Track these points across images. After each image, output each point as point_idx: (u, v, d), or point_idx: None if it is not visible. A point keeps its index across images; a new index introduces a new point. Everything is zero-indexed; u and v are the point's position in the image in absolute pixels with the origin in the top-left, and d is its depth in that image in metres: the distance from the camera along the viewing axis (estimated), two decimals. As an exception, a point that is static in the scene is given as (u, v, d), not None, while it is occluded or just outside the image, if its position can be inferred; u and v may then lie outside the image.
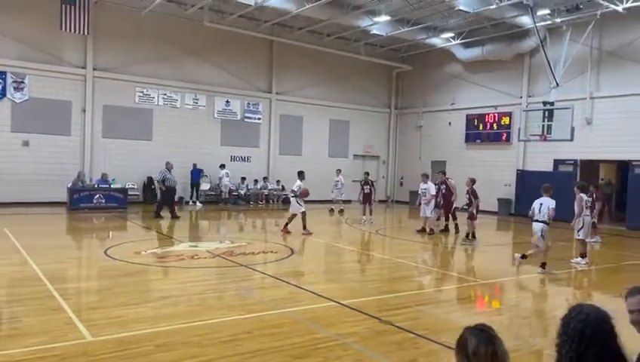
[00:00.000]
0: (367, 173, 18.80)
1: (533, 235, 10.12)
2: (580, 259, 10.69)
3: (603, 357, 1.97)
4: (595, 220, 13.90)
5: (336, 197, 20.52)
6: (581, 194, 10.73)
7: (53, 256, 9.77)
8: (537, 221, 9.78)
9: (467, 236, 13.75)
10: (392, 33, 21.50)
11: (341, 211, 19.95)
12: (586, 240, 11.28)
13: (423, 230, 14.81)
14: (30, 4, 17.97)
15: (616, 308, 2.37)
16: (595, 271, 10.87)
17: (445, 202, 14.98)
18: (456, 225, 14.98)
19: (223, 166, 21.58)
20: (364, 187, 17.65)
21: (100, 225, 15.60)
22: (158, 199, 16.91)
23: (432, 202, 14.71)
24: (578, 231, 10.70)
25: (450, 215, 15.12)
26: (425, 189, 14.82)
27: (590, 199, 11.21)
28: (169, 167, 16.53)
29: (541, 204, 9.75)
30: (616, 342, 2.03)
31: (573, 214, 10.79)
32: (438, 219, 15.41)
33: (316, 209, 19.92)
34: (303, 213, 13.64)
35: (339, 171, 20.88)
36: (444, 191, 14.93)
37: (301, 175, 13.88)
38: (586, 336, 2.02)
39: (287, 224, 13.79)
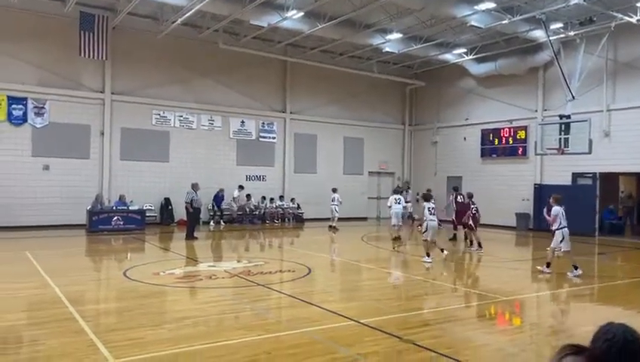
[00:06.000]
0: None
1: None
2: (426, 257, 12.39)
3: None
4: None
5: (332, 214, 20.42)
6: (424, 203, 12.81)
7: (73, 278, 9.89)
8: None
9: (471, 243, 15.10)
10: (404, 50, 21.62)
11: (333, 228, 19.89)
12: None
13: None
14: (49, 31, 18.47)
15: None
16: (618, 286, 10.65)
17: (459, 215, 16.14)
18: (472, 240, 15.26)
19: (241, 187, 21.83)
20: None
21: (119, 246, 15.75)
22: (175, 221, 17.03)
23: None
24: (423, 233, 12.66)
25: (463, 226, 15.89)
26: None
27: (433, 205, 12.77)
28: (196, 188, 16.63)
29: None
30: None
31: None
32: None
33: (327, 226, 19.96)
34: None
35: (335, 190, 20.75)
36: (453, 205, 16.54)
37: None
38: (613, 356, 1.98)
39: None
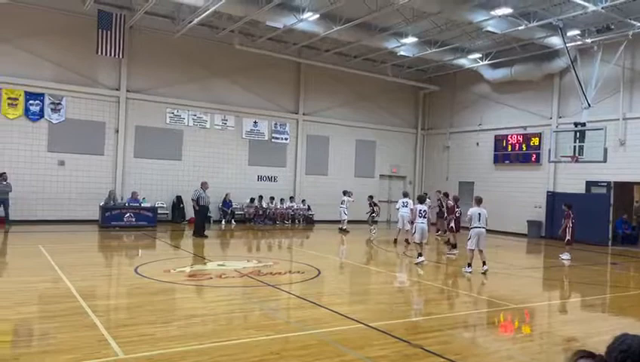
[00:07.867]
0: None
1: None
2: (419, 258, 12.69)
3: None
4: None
5: (341, 217, 20.64)
6: (417, 205, 13.14)
7: (86, 274, 9.99)
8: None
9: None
10: (419, 54, 21.59)
11: (344, 231, 20.11)
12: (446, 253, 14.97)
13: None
14: (67, 28, 18.70)
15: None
16: (631, 296, 10.53)
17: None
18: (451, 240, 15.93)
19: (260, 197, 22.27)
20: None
21: (131, 243, 15.88)
22: (186, 219, 17.26)
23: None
24: (413, 235, 13.23)
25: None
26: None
27: (425, 208, 13.11)
28: (204, 187, 16.76)
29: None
30: None
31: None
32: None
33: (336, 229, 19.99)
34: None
35: (345, 192, 21.06)
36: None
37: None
38: None
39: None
